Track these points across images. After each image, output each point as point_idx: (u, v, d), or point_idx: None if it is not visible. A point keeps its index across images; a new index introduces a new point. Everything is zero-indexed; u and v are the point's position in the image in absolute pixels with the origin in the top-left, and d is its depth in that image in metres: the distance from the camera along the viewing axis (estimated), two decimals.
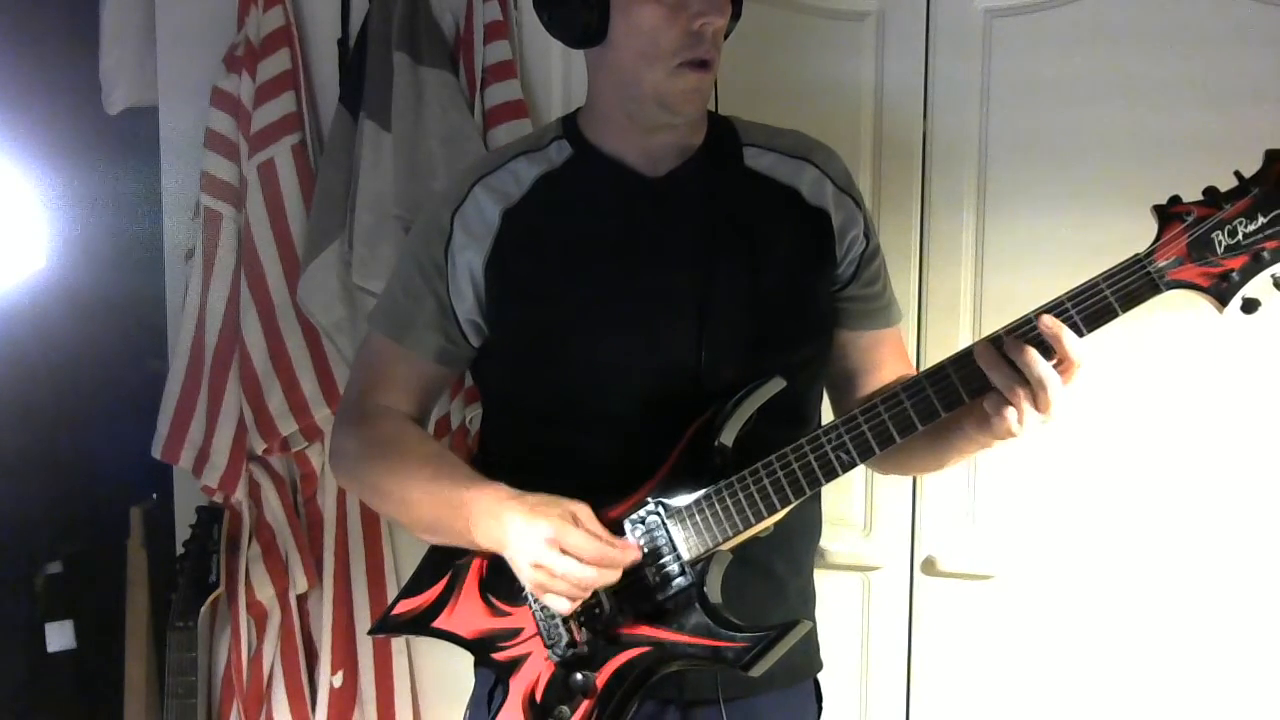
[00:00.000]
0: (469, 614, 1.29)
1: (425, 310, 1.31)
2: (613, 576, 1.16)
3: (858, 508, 1.95)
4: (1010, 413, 1.10)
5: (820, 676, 1.43)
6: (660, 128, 1.26)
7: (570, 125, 1.33)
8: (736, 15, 1.28)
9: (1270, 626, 1.81)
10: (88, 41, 2.16)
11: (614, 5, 1.20)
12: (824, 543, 1.92)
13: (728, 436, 1.21)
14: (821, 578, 1.96)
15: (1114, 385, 1.81)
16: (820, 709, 1.42)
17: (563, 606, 1.16)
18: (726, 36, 1.27)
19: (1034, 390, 1.09)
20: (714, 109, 1.36)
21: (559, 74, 1.96)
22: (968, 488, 1.92)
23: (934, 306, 1.90)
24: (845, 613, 1.97)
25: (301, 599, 2.10)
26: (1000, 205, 1.87)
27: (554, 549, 1.13)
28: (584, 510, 1.17)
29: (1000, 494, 1.90)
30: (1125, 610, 1.85)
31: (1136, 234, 1.11)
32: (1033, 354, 1.08)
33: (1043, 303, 1.11)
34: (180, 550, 2.05)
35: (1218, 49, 1.76)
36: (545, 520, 1.15)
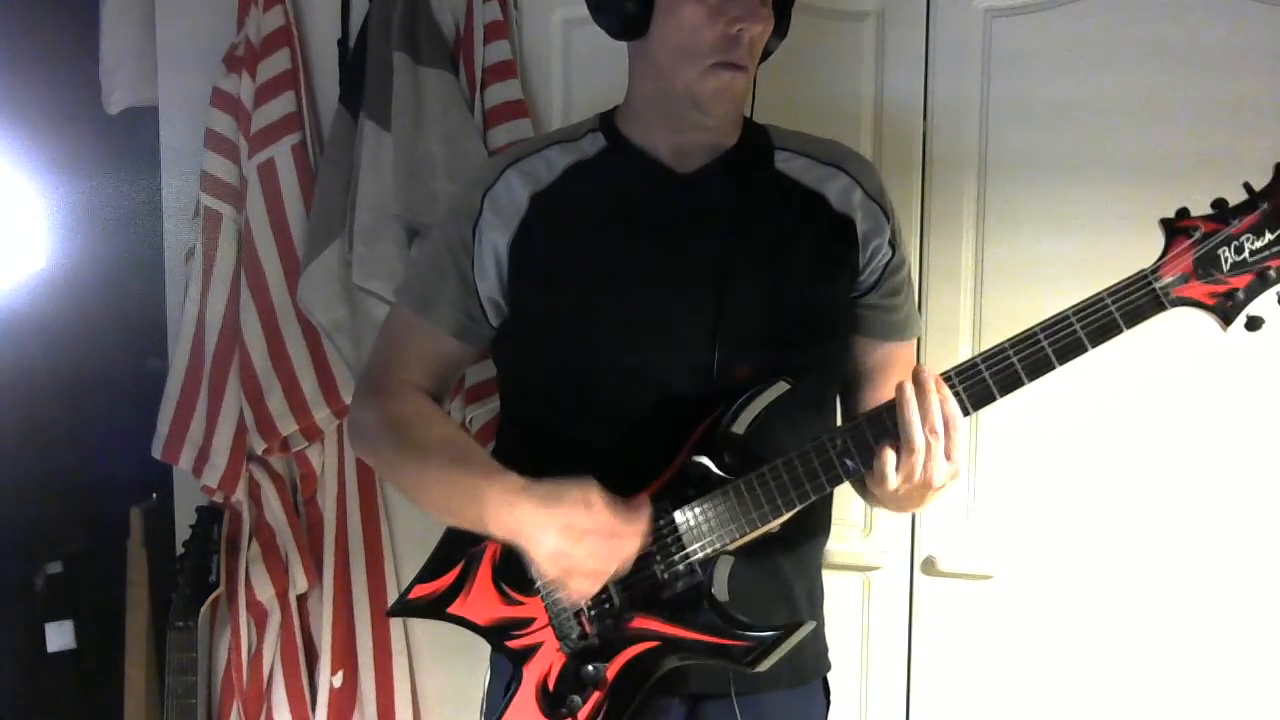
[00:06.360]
0: (483, 601, 1.31)
1: (449, 285, 1.34)
2: (633, 548, 1.17)
3: (858, 508, 1.95)
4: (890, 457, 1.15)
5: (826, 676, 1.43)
6: (693, 126, 1.28)
7: (607, 120, 1.36)
8: (783, 34, 1.32)
9: (1269, 625, 1.81)
10: (88, 41, 2.16)
11: (658, 1, 1.22)
12: None
13: (734, 438, 1.21)
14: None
15: (1112, 386, 1.82)
16: (828, 706, 1.43)
17: (584, 592, 1.17)
18: (769, 55, 1.32)
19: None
20: (749, 116, 1.37)
21: (559, 74, 1.95)
22: (967, 488, 1.91)
23: (933, 325, 1.88)
24: (845, 613, 1.96)
25: (301, 599, 2.10)
26: (1000, 222, 1.86)
27: (572, 536, 1.15)
28: (594, 492, 1.18)
29: (999, 494, 1.90)
30: (1124, 609, 1.85)
31: (1139, 251, 1.11)
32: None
33: (1047, 317, 1.11)
34: (180, 550, 2.05)
35: (1224, 62, 1.74)
36: (559, 509, 1.16)
